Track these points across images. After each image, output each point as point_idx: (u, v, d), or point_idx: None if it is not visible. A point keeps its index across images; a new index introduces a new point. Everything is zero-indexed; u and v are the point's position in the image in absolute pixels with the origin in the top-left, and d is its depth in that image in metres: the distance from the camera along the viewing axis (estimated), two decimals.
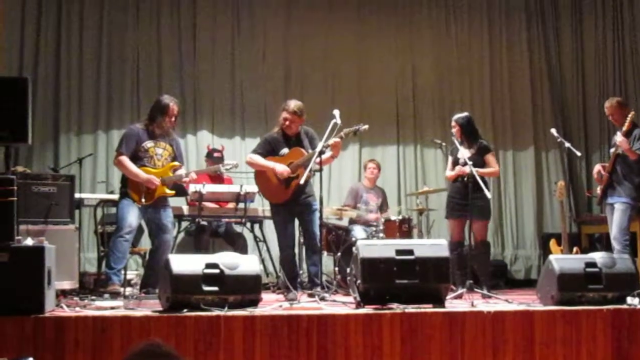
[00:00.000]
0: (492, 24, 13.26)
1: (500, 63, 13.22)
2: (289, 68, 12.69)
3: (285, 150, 8.68)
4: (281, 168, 8.53)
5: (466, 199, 8.95)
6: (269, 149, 8.74)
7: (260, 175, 8.81)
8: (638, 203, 9.21)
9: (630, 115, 9.02)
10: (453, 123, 9.43)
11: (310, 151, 8.49)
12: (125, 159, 8.48)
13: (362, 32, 12.95)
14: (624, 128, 8.99)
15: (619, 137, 9.01)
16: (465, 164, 9.02)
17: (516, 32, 13.29)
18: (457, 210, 9.20)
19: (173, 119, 8.65)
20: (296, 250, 9.07)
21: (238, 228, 10.67)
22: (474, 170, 8.82)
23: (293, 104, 8.68)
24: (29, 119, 6.90)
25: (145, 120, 8.74)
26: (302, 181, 8.24)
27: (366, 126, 8.45)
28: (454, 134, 9.35)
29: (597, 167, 9.52)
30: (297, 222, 8.92)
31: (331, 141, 8.26)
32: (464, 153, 9.17)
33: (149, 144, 8.58)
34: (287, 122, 8.64)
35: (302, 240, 9.21)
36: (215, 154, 10.95)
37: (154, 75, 12.24)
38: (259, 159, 8.71)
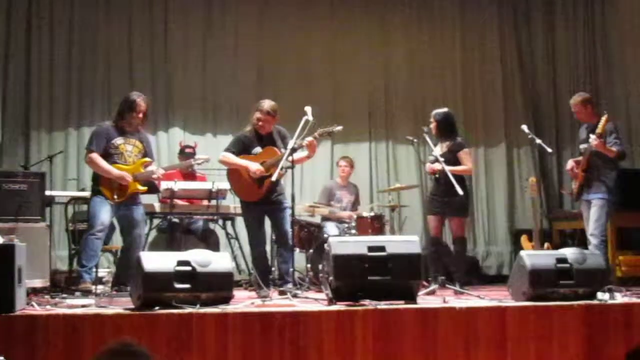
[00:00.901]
0: (464, 21, 13.30)
1: (472, 60, 13.27)
2: (261, 65, 12.66)
3: (258, 149, 8.67)
4: (255, 167, 8.52)
5: (443, 196, 9.04)
6: (241, 148, 8.72)
7: (233, 174, 8.80)
8: (614, 198, 9.25)
9: (604, 118, 9.01)
10: (431, 119, 9.49)
11: (283, 150, 8.50)
12: (96, 157, 8.42)
13: (335, 29, 12.94)
14: (598, 130, 8.98)
15: (593, 140, 9.00)
16: (435, 161, 9.08)
17: (488, 29, 13.33)
18: (436, 206, 9.27)
19: (141, 115, 8.59)
20: (267, 248, 9.10)
21: (210, 225, 10.65)
22: (446, 167, 8.88)
23: (267, 104, 8.67)
24: None
25: (114, 117, 8.70)
26: (273, 178, 8.23)
27: (340, 127, 8.56)
28: (430, 130, 9.41)
29: (571, 163, 9.52)
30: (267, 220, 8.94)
31: (306, 141, 8.30)
32: (436, 150, 9.25)
33: (119, 140, 8.53)
34: (261, 122, 8.64)
35: (273, 237, 9.23)
36: (187, 150, 10.94)
37: (125, 72, 12.17)
38: (232, 158, 8.69)
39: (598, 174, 9.19)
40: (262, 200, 8.61)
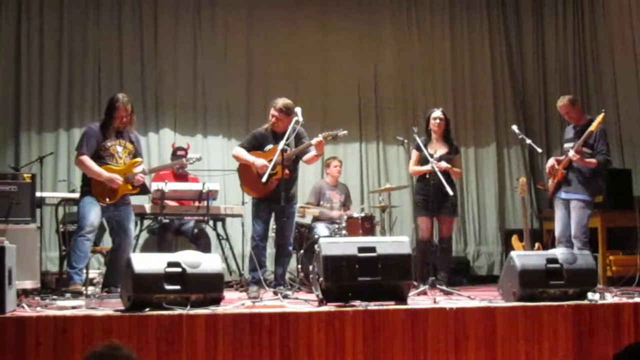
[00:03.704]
0: (453, 21, 13.32)
1: (461, 60, 13.29)
2: (251, 65, 12.66)
3: (270, 147, 8.80)
4: (259, 162, 8.62)
5: (439, 196, 9.04)
6: (255, 144, 8.93)
7: (243, 169, 8.97)
8: (595, 199, 9.24)
9: (601, 115, 8.98)
10: (441, 115, 9.49)
11: (294, 149, 8.67)
12: (86, 159, 8.39)
13: (325, 29, 12.95)
14: (592, 128, 8.91)
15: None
16: (440, 160, 9.14)
17: (478, 29, 13.35)
18: (431, 208, 9.22)
19: (125, 117, 8.53)
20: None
21: (201, 226, 10.65)
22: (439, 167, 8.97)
23: (281, 102, 8.84)
24: None
25: (102, 118, 8.68)
26: (264, 179, 8.32)
27: (345, 132, 8.77)
28: (420, 130, 9.41)
29: (552, 161, 9.42)
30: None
31: (314, 141, 8.50)
32: (439, 149, 9.32)
33: (109, 142, 8.50)
34: (274, 119, 8.82)
35: (273, 235, 9.34)
36: (179, 152, 10.88)
37: (115, 73, 12.14)
38: (243, 153, 8.88)
39: (580, 173, 9.14)
40: (271, 198, 8.67)
